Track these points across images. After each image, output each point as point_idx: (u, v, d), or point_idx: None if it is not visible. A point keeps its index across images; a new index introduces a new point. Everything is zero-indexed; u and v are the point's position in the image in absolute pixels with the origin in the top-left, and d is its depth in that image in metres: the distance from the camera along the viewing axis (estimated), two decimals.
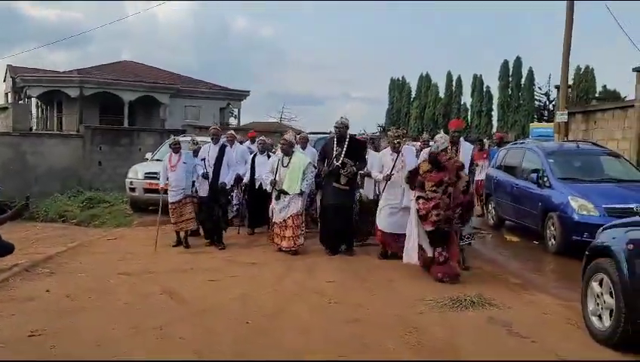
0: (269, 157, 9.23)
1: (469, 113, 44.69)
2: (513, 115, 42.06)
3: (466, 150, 7.51)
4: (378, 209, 7.59)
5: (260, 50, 78.56)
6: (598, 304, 4.58)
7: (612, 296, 4.34)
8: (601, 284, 4.55)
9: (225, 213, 8.77)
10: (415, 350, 4.31)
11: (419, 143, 10.70)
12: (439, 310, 5.34)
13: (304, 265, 7.26)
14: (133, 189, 12.10)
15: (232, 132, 9.59)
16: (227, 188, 8.56)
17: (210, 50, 77.04)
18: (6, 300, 5.58)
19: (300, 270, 7.00)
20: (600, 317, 4.53)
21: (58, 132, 23.42)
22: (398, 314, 5.12)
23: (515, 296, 5.94)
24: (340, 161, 7.68)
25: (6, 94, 30.20)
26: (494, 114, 43.93)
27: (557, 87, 13.94)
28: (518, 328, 4.84)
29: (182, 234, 8.46)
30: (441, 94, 46.10)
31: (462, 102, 45.39)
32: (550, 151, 9.22)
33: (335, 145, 7.83)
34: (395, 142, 7.49)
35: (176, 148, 8.48)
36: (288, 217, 7.80)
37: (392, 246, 7.50)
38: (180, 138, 9.20)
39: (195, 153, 8.69)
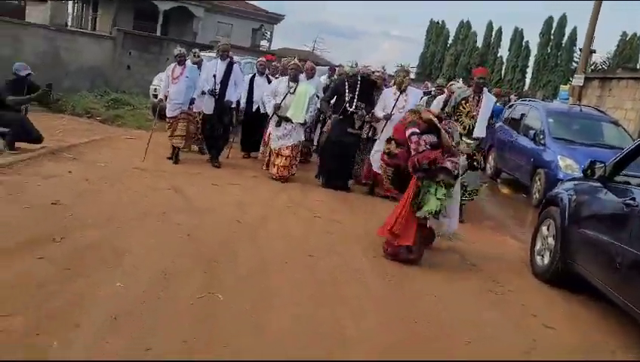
0: (268, 80, 9.05)
1: (504, 67, 44.04)
2: (548, 74, 41.37)
3: (488, 101, 7.09)
4: (373, 150, 7.63)
5: None
6: (543, 245, 5.19)
7: (554, 239, 4.94)
8: (548, 229, 5.15)
9: (227, 132, 8.61)
10: (372, 260, 5.00)
11: (433, 88, 10.91)
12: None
13: (299, 186, 7.87)
14: (156, 96, 12.69)
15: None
16: (233, 106, 8.42)
17: None
18: (34, 174, 6.37)
19: (295, 189, 7.65)
20: (542, 256, 5.16)
21: (92, 32, 23.87)
22: (369, 232, 5.77)
23: (482, 235, 6.58)
24: (354, 107, 7.63)
25: None
26: (529, 71, 43.26)
27: (580, 49, 13.96)
28: (471, 258, 5.50)
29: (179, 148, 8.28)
30: (479, 44, 45.28)
31: (498, 55, 44.66)
32: (552, 112, 9.59)
33: (347, 89, 7.70)
34: (401, 80, 7.52)
35: (180, 60, 8.13)
36: (287, 147, 7.86)
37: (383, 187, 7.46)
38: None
39: (196, 65, 8.44)
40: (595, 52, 14.29)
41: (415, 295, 4.36)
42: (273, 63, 9.76)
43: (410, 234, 4.95)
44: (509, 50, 43.65)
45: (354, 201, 7.41)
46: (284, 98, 7.88)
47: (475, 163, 7.05)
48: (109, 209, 5.43)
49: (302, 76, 8.15)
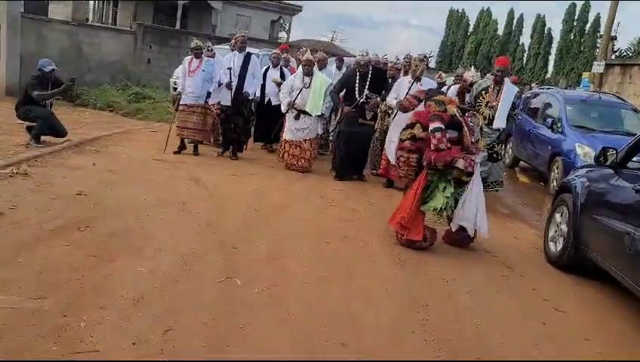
0: (281, 72, 9.12)
1: (525, 55, 43.48)
2: (571, 61, 40.69)
3: (508, 92, 6.92)
4: (387, 139, 7.26)
5: None
6: (556, 231, 5.23)
7: (567, 225, 4.98)
8: (562, 215, 5.18)
9: (247, 124, 8.63)
10: (386, 246, 5.11)
11: (452, 78, 10.82)
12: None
13: (316, 176, 7.97)
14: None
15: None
16: (250, 98, 8.42)
17: None
18: (59, 166, 6.61)
19: (312, 178, 7.77)
20: (555, 242, 5.20)
21: (113, 26, 24.21)
22: (385, 220, 5.84)
23: (497, 222, 6.57)
24: (365, 96, 7.52)
25: None
26: (551, 58, 42.63)
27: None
28: (486, 245, 5.55)
29: (186, 141, 8.34)
30: (500, 32, 44.76)
31: (520, 42, 44.08)
32: (570, 99, 9.52)
33: (358, 80, 7.62)
34: (416, 67, 7.32)
35: (197, 53, 8.10)
36: (307, 140, 7.97)
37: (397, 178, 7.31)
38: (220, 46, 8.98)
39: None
40: (616, 39, 14.08)
41: (427, 279, 4.45)
42: (285, 54, 9.73)
43: (419, 229, 5.01)
44: (531, 37, 43.05)
45: (370, 191, 7.50)
46: (299, 93, 7.87)
47: (494, 154, 7.05)
48: (131, 199, 5.61)
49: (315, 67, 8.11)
